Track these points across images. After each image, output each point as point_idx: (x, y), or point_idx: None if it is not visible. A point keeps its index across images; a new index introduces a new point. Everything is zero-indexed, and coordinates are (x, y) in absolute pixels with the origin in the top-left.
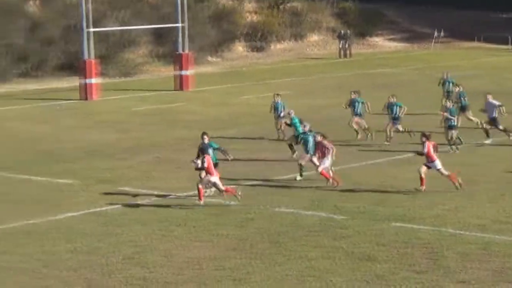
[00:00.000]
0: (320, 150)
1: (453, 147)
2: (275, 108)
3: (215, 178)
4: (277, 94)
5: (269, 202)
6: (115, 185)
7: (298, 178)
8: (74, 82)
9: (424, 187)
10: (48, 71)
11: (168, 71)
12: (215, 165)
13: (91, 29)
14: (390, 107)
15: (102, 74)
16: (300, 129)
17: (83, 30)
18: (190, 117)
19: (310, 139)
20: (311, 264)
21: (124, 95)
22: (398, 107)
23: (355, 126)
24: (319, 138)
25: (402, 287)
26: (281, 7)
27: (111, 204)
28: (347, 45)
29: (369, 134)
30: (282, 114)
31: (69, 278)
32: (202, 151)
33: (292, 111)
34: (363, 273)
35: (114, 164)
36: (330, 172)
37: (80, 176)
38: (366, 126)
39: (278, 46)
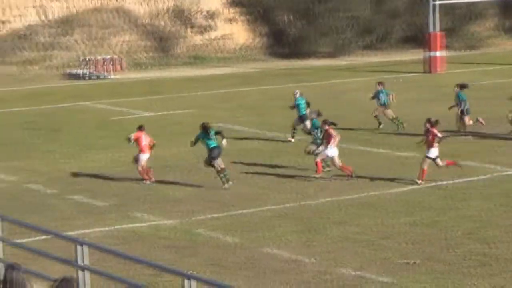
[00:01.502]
0: (326, 138)
1: None
2: (378, 97)
3: (145, 156)
4: (380, 83)
5: None
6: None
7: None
8: (417, 55)
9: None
10: (392, 43)
11: None
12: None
13: (438, 2)
14: None
15: (446, 47)
16: (303, 111)
17: (430, 2)
18: None
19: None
20: None
21: (467, 69)
22: None
23: None
24: (326, 126)
25: None
26: None
27: (453, 178)
28: None
29: None
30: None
31: (408, 250)
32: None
33: (298, 91)
34: None
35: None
36: (338, 161)
37: (420, 150)
38: None
39: None
